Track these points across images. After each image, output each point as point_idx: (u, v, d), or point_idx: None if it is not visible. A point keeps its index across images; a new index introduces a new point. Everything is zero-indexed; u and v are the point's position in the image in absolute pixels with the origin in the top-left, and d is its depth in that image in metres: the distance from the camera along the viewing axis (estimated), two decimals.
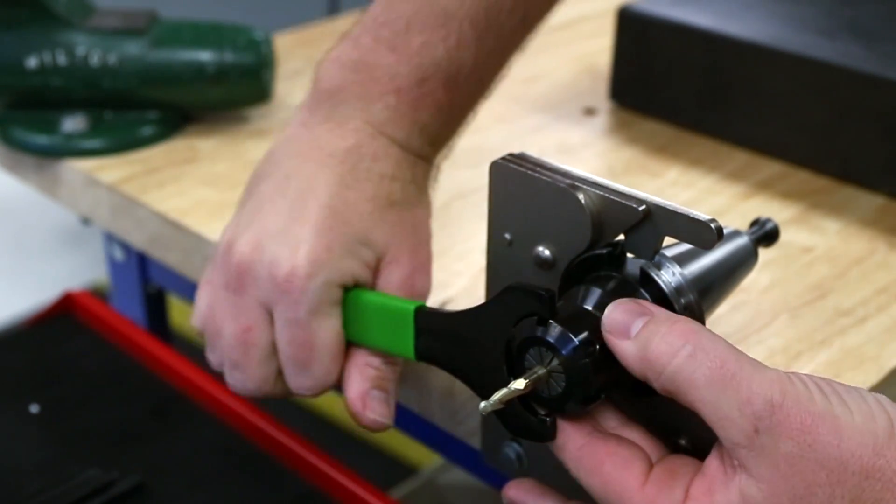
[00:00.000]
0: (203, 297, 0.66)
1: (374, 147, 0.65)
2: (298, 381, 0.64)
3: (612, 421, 0.54)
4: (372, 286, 0.64)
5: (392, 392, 0.63)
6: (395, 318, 0.60)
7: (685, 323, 0.49)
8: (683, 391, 0.47)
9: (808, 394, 0.46)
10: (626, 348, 0.49)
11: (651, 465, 0.50)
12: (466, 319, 0.56)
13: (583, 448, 0.51)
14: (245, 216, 0.65)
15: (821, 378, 0.48)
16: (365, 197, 0.64)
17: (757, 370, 0.47)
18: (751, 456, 0.46)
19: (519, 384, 0.51)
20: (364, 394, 0.62)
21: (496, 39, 0.69)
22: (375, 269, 0.64)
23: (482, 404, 0.51)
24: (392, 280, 0.63)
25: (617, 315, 0.50)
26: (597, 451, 0.51)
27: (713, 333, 0.48)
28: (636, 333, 0.49)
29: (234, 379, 0.65)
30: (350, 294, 0.62)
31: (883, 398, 0.47)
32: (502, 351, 0.54)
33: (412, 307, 0.60)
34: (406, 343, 0.60)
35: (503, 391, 0.51)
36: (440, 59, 0.66)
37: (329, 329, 0.62)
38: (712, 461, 0.48)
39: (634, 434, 0.53)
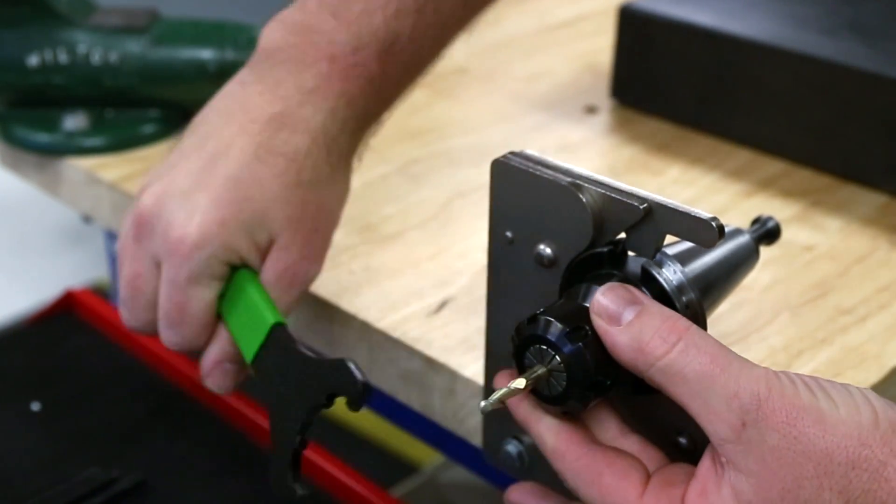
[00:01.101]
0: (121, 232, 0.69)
1: (297, 118, 0.67)
2: (167, 335, 0.67)
3: (610, 431, 0.54)
4: (258, 267, 0.66)
5: (241, 370, 0.67)
6: (255, 320, 0.64)
7: (677, 319, 0.49)
8: (673, 385, 0.48)
9: (794, 389, 0.47)
10: (616, 336, 0.50)
11: (648, 476, 0.51)
12: (298, 364, 0.60)
13: (581, 459, 0.51)
14: (163, 167, 0.68)
15: (808, 376, 0.48)
16: (273, 173, 0.65)
17: (745, 367, 0.48)
18: (738, 451, 0.47)
19: (519, 383, 0.51)
20: (217, 363, 0.66)
21: (435, 14, 0.71)
22: (265, 252, 0.66)
23: (482, 404, 0.51)
24: (276, 266, 0.66)
25: (608, 301, 0.50)
26: (595, 463, 0.51)
27: (703, 330, 0.49)
28: (628, 322, 0.49)
29: (123, 316, 0.68)
30: (237, 273, 0.65)
31: (870, 393, 0.48)
32: (304, 413, 0.59)
33: (272, 321, 0.63)
34: (251, 346, 0.64)
35: (503, 390, 0.51)
36: (377, 28, 0.68)
37: (202, 299, 0.65)
38: (704, 463, 0.49)
39: (633, 443, 0.53)
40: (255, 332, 0.63)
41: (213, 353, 0.67)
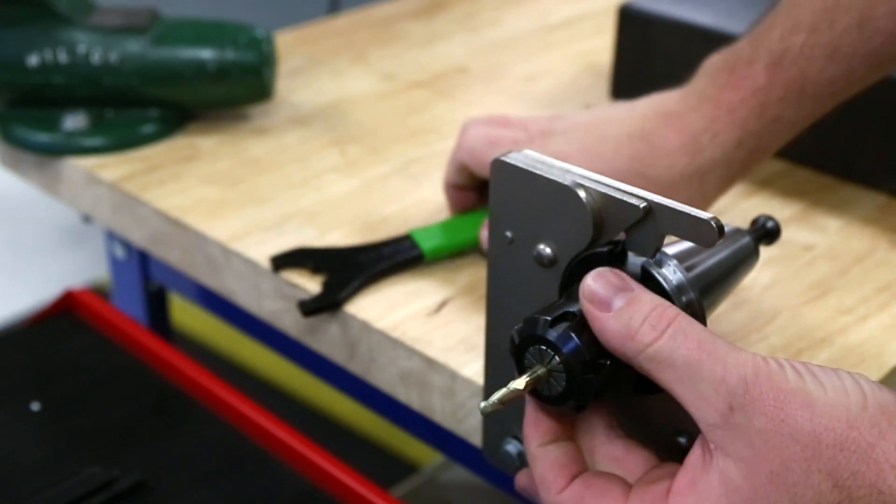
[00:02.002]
0: None
1: (678, 118, 0.73)
2: None
3: (598, 437, 0.54)
4: None
5: None
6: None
7: (666, 306, 0.50)
8: (661, 371, 0.49)
9: (782, 372, 0.47)
10: (606, 322, 0.50)
11: (629, 485, 0.51)
12: None
13: (563, 492, 0.52)
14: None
15: (798, 360, 0.49)
16: (630, 153, 0.73)
17: (732, 351, 0.48)
18: (726, 436, 0.47)
19: (519, 383, 0.51)
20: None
21: (829, 30, 0.70)
22: None
23: (482, 404, 0.51)
24: None
25: (598, 286, 0.51)
26: (576, 492, 0.51)
27: (690, 318, 0.50)
28: (618, 309, 0.50)
29: None
30: None
31: (861, 377, 0.48)
32: None
33: None
34: None
35: (503, 391, 0.51)
36: (773, 41, 0.72)
37: None
38: (694, 452, 0.49)
39: (618, 447, 0.54)
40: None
41: None
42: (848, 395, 0.47)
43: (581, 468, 0.53)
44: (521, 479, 0.58)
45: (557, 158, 0.57)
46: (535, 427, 0.53)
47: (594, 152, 0.71)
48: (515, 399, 0.51)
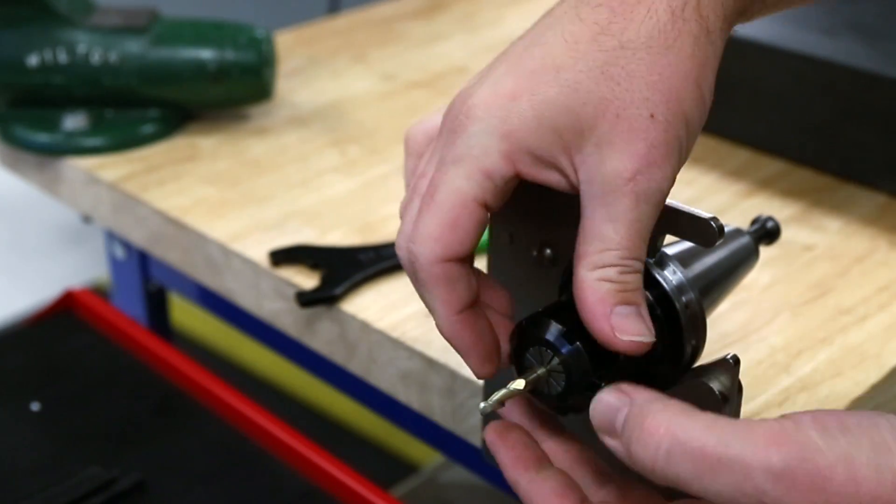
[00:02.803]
0: None
1: None
2: (403, 218, 0.56)
3: (591, 484, 0.52)
4: (565, 179, 0.52)
5: (640, 302, 0.50)
6: None
7: (656, 414, 0.44)
8: (680, 487, 0.43)
9: (814, 442, 0.41)
10: (618, 449, 0.45)
11: None
12: None
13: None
14: None
15: (825, 413, 0.43)
16: (591, 33, 0.52)
17: (746, 440, 0.42)
18: None
19: (519, 384, 0.51)
20: (606, 316, 0.49)
21: None
22: (576, 149, 0.50)
23: (482, 405, 0.51)
24: (597, 171, 0.51)
25: (598, 412, 0.46)
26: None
27: (689, 414, 0.44)
28: (620, 432, 0.45)
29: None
30: None
31: (891, 417, 0.43)
32: None
33: None
34: None
35: (503, 391, 0.51)
36: None
37: (455, 188, 0.51)
38: None
39: (612, 493, 0.51)
40: None
41: (594, 307, 0.49)
42: (890, 450, 0.41)
43: (581, 496, 0.50)
44: (489, 435, 0.53)
45: (492, 105, 0.49)
46: (519, 460, 0.51)
47: (544, 69, 0.50)
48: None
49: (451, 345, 0.52)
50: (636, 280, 0.49)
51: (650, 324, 0.49)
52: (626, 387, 0.46)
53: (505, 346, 0.53)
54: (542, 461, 0.51)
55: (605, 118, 0.48)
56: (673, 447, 0.43)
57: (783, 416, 0.43)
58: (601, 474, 0.52)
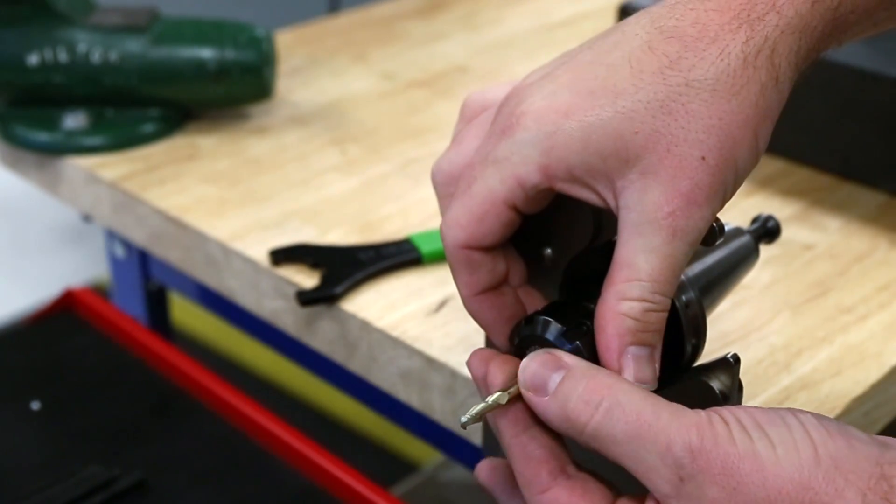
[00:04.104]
0: None
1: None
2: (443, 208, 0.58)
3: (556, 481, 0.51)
4: (601, 200, 0.52)
5: (656, 344, 0.50)
6: None
7: (601, 376, 0.48)
8: (605, 448, 0.46)
9: (728, 433, 0.45)
10: (546, 406, 0.48)
11: (614, 498, 0.49)
12: None
13: (546, 493, 0.49)
14: None
15: (743, 410, 0.46)
16: (658, 65, 0.51)
17: (675, 417, 0.46)
18: None
19: (500, 398, 0.49)
20: (620, 353, 0.50)
21: None
22: (618, 174, 0.50)
23: (462, 418, 0.50)
24: (637, 201, 0.51)
25: (532, 370, 0.49)
26: (559, 499, 0.49)
27: (630, 384, 0.47)
28: (554, 391, 0.48)
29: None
30: None
31: (810, 422, 0.46)
32: None
33: None
34: None
35: (482, 405, 0.50)
36: None
37: (490, 188, 0.52)
38: None
39: (577, 486, 0.50)
40: None
41: (609, 341, 0.50)
42: (798, 450, 0.44)
43: (563, 463, 0.50)
44: (482, 472, 0.54)
45: (543, 117, 0.50)
46: (509, 414, 0.50)
47: (604, 92, 0.49)
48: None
49: (477, 323, 0.55)
50: (659, 320, 0.50)
51: (657, 368, 0.50)
52: (557, 352, 0.49)
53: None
54: (530, 420, 0.50)
55: (655, 150, 0.48)
56: (613, 406, 0.46)
57: (710, 410, 0.46)
58: None
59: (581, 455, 0.50)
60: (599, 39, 0.52)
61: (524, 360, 0.49)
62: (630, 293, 0.49)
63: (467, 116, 0.60)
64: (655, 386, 0.50)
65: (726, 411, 0.46)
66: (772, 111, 0.51)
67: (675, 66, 0.49)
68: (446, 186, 0.56)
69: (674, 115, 0.48)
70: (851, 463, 0.44)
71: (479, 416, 0.49)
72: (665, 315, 0.50)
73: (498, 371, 0.51)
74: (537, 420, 0.50)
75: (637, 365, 0.49)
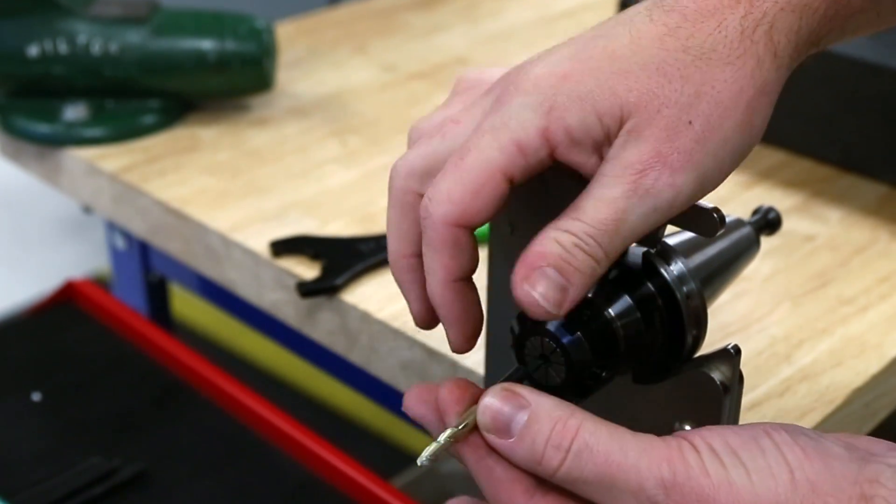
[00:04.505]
0: None
1: None
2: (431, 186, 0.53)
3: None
4: (588, 161, 0.50)
5: (575, 285, 0.47)
6: None
7: (567, 417, 0.46)
8: (579, 489, 0.46)
9: (700, 463, 0.44)
10: (513, 450, 0.46)
11: None
12: None
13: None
14: None
15: (715, 434, 0.45)
16: (657, 33, 0.51)
17: (644, 452, 0.45)
18: None
19: (458, 434, 0.48)
20: (533, 267, 0.48)
21: None
22: (610, 136, 0.50)
23: (419, 460, 0.48)
24: (619, 158, 0.50)
25: (493, 411, 0.47)
26: None
27: (595, 421, 0.46)
28: (520, 434, 0.46)
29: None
30: None
31: (782, 440, 0.45)
32: None
33: None
34: None
35: (434, 445, 0.48)
36: None
37: (486, 159, 0.50)
38: None
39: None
40: None
41: (530, 255, 0.48)
42: (774, 476, 0.44)
43: (537, 481, 0.48)
44: (410, 399, 0.52)
45: (542, 81, 0.49)
46: (469, 438, 0.48)
47: (603, 57, 0.49)
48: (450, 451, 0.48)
49: (438, 313, 0.52)
50: (586, 262, 0.47)
51: (567, 305, 0.47)
52: (519, 388, 0.47)
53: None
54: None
55: (646, 109, 0.47)
56: (581, 450, 0.45)
57: (679, 436, 0.46)
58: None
59: None
60: (603, 22, 0.52)
61: (483, 399, 0.47)
62: (567, 226, 0.47)
63: (459, 90, 0.59)
64: (557, 316, 0.47)
65: (697, 437, 0.45)
66: (768, 88, 0.50)
67: (674, 34, 0.49)
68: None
69: (668, 77, 0.48)
70: (829, 485, 0.43)
71: (438, 455, 0.48)
72: (595, 265, 0.47)
73: (450, 405, 0.49)
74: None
75: (547, 284, 0.47)
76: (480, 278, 0.75)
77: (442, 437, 0.48)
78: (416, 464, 0.48)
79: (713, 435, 0.45)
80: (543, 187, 0.54)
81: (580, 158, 0.49)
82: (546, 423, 0.46)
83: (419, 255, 0.52)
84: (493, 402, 0.47)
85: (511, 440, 0.46)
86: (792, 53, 0.51)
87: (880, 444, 0.46)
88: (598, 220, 0.47)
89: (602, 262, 0.48)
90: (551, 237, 0.48)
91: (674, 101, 0.48)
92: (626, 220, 0.47)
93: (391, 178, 0.52)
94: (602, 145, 0.48)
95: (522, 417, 0.46)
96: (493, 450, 0.48)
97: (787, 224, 0.77)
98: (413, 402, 0.51)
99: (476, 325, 0.52)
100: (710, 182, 0.49)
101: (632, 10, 0.51)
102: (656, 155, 0.47)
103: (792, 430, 0.46)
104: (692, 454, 0.45)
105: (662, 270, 0.53)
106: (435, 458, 0.47)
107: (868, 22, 0.53)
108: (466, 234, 0.50)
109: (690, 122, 0.47)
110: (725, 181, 0.87)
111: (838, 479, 0.44)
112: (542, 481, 0.48)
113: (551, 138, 0.48)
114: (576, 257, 0.47)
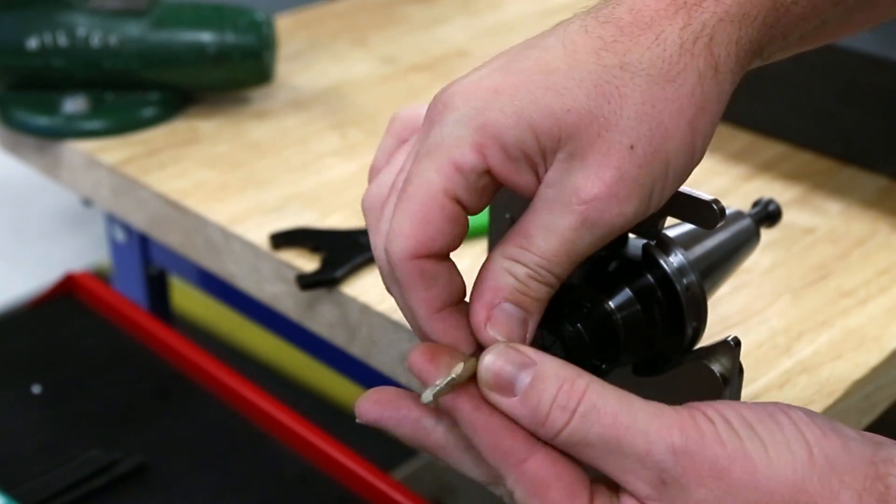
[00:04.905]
0: None
1: None
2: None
3: None
4: (523, 183, 0.49)
5: (534, 313, 0.48)
6: None
7: (574, 378, 0.45)
8: (580, 452, 0.44)
9: (715, 432, 0.43)
10: (516, 410, 0.45)
11: (591, 492, 0.45)
12: None
13: (526, 463, 0.46)
14: None
15: (729, 406, 0.44)
16: (593, 47, 0.50)
17: (654, 417, 0.44)
18: None
19: (469, 365, 0.46)
20: (492, 304, 0.47)
21: None
22: (543, 158, 0.48)
23: (425, 395, 0.46)
24: (556, 185, 0.48)
25: (497, 367, 0.45)
26: (542, 472, 0.45)
27: (603, 384, 0.45)
28: (524, 392, 0.45)
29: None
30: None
31: (799, 417, 0.44)
32: None
33: None
34: None
35: (448, 378, 0.46)
36: None
37: (427, 181, 0.48)
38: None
39: None
40: None
41: (484, 294, 0.48)
42: (791, 450, 0.43)
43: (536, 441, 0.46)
44: (367, 411, 0.51)
45: (472, 94, 0.46)
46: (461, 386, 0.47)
47: (536, 70, 0.47)
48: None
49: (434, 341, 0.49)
50: (541, 291, 0.47)
51: (528, 337, 0.47)
52: (521, 347, 0.46)
53: None
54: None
55: (586, 132, 0.46)
56: (589, 411, 0.44)
57: (692, 406, 0.44)
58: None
59: None
60: (536, 35, 0.50)
61: (485, 356, 0.46)
62: (518, 257, 0.47)
63: (395, 130, 0.57)
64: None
65: (711, 409, 0.44)
66: (710, 104, 0.48)
67: (611, 49, 0.47)
68: (375, 211, 0.53)
69: (607, 97, 0.46)
70: (846, 463, 0.43)
71: (448, 389, 0.46)
72: (549, 291, 0.47)
73: (435, 360, 0.47)
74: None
75: (507, 321, 0.46)
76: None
77: (456, 370, 0.46)
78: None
79: (727, 407, 0.44)
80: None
81: (517, 178, 0.47)
82: (552, 383, 0.45)
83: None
84: (495, 359, 0.46)
85: (514, 399, 0.45)
86: (734, 67, 0.49)
87: (885, 439, 0.46)
88: (550, 252, 0.46)
89: (555, 285, 0.48)
90: (503, 268, 0.47)
91: (614, 123, 0.46)
92: (575, 250, 0.47)
93: (388, 254, 0.48)
94: (538, 165, 0.47)
95: (527, 377, 0.45)
96: (488, 402, 0.46)
97: (788, 216, 0.77)
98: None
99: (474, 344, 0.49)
100: (654, 204, 0.48)
101: (565, 21, 0.50)
102: (601, 184, 0.46)
103: (806, 410, 0.45)
104: (706, 423, 0.44)
105: (662, 262, 0.53)
106: (447, 390, 0.45)
107: (813, 31, 0.52)
108: (433, 262, 0.47)
109: (632, 147, 0.46)
110: (724, 174, 0.88)
111: (855, 459, 0.43)
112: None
113: (486, 154, 0.46)
114: (531, 288, 0.47)
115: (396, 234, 0.47)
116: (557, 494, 0.45)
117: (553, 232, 0.46)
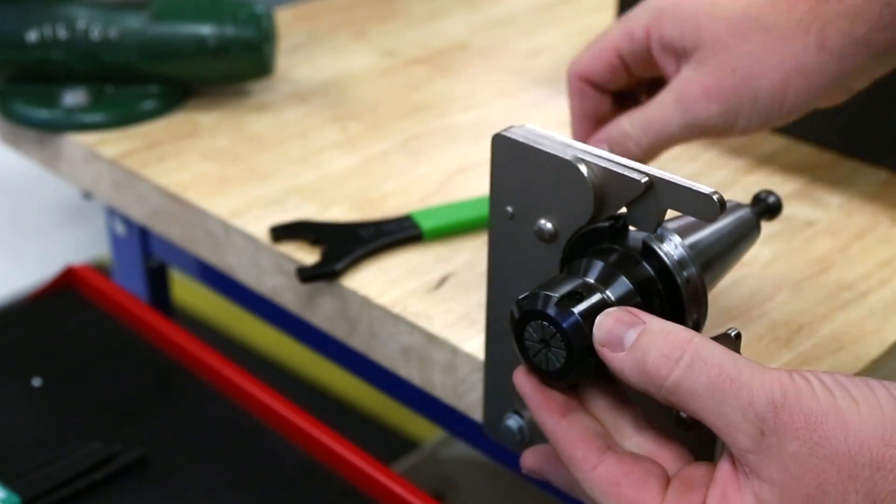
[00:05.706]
0: None
1: None
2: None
3: (626, 428, 0.53)
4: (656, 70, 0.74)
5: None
6: None
7: (680, 332, 0.48)
8: (685, 402, 0.47)
9: (811, 390, 0.45)
10: (623, 361, 0.48)
11: (667, 480, 0.49)
12: None
13: (597, 469, 0.50)
14: None
15: (825, 372, 0.47)
16: None
17: (756, 372, 0.46)
18: (760, 459, 0.45)
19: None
20: (599, 140, 0.73)
21: None
22: (679, 57, 0.72)
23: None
24: (680, 81, 0.71)
25: (608, 326, 0.49)
26: (612, 472, 0.49)
27: (708, 340, 0.48)
28: (631, 345, 0.48)
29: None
30: None
31: (891, 384, 0.46)
32: None
33: None
34: None
35: None
36: None
37: (608, 38, 0.75)
38: (723, 466, 0.48)
39: (648, 440, 0.52)
40: None
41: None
42: (881, 409, 0.45)
43: (608, 441, 0.51)
44: (527, 460, 0.56)
45: (664, 2, 0.68)
46: (547, 403, 0.52)
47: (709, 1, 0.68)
48: None
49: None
50: (626, 152, 0.69)
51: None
52: (634, 309, 0.50)
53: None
54: (570, 405, 0.52)
55: (711, 48, 0.66)
56: (695, 360, 0.47)
57: (787, 369, 0.47)
58: (639, 420, 0.53)
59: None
60: None
61: (599, 317, 0.50)
62: (633, 116, 0.70)
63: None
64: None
65: (808, 372, 0.47)
66: (808, 71, 0.65)
67: (753, 4, 0.66)
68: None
69: (735, 29, 0.65)
70: None
71: None
72: (636, 152, 0.71)
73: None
74: (576, 405, 0.52)
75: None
76: (481, 264, 0.75)
77: None
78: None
79: (822, 372, 0.47)
80: (541, 178, 0.54)
81: (663, 61, 0.69)
82: (659, 335, 0.48)
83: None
84: (608, 316, 0.49)
85: (622, 352, 0.49)
86: (841, 52, 0.64)
87: None
88: (653, 118, 0.69)
89: (639, 151, 0.71)
90: (624, 117, 0.72)
91: (732, 51, 0.65)
92: (668, 130, 0.69)
93: (567, 72, 0.74)
94: (680, 57, 0.68)
95: (634, 333, 0.49)
96: (569, 412, 0.51)
97: (788, 209, 0.77)
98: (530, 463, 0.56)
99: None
100: (739, 128, 0.67)
101: None
102: (702, 86, 0.66)
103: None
104: (803, 382, 0.46)
105: (662, 254, 0.53)
106: None
107: None
108: (590, 87, 0.73)
109: (734, 70, 0.66)
110: (725, 166, 0.88)
111: None
112: (614, 445, 0.51)
113: (651, 36, 0.69)
114: (632, 138, 0.71)
115: (577, 60, 0.73)
116: (627, 488, 0.48)
117: (661, 105, 0.68)
